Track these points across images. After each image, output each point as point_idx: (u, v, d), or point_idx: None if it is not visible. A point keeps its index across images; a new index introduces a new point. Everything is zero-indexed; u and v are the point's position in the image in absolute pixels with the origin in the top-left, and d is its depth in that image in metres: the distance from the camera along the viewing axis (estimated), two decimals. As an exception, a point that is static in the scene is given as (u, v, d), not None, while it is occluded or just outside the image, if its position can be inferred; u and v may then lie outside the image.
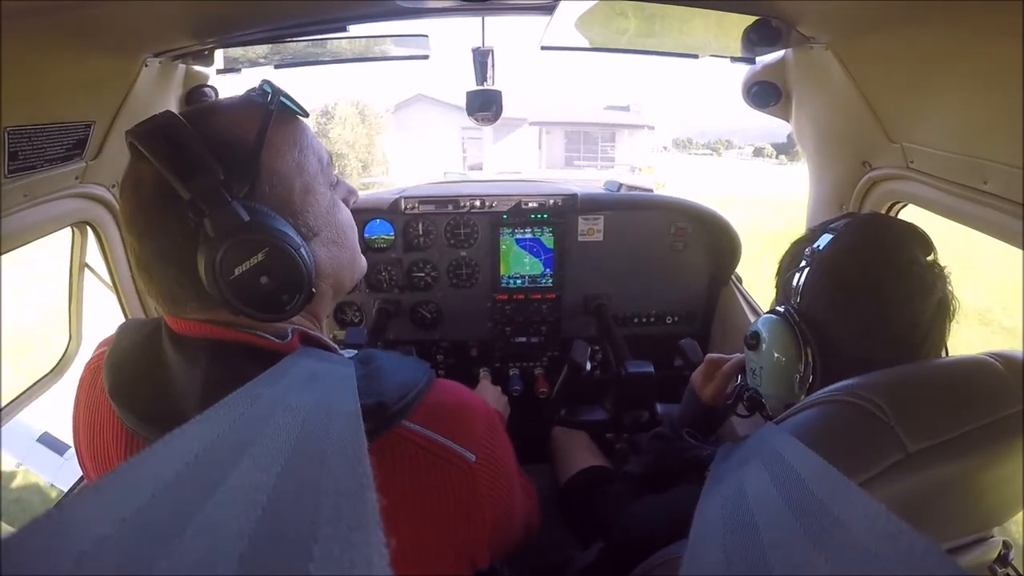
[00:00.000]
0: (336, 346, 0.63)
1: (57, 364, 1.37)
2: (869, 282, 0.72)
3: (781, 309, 0.80)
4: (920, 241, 0.75)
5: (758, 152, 43.05)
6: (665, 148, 27.97)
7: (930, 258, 0.73)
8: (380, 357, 0.60)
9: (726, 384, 1.04)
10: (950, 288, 0.72)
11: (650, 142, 28.44)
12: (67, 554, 0.22)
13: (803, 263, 0.80)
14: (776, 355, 0.79)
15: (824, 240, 0.79)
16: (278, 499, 0.28)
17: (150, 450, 0.31)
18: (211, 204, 0.51)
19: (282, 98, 0.59)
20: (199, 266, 0.52)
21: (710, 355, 1.11)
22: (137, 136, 0.52)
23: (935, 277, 0.71)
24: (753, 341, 0.84)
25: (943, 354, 0.74)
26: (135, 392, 0.57)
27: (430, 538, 0.54)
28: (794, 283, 0.81)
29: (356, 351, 0.66)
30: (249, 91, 0.61)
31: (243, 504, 0.27)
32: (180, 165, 0.51)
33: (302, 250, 0.56)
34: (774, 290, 0.89)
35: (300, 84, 1.29)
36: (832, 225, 0.81)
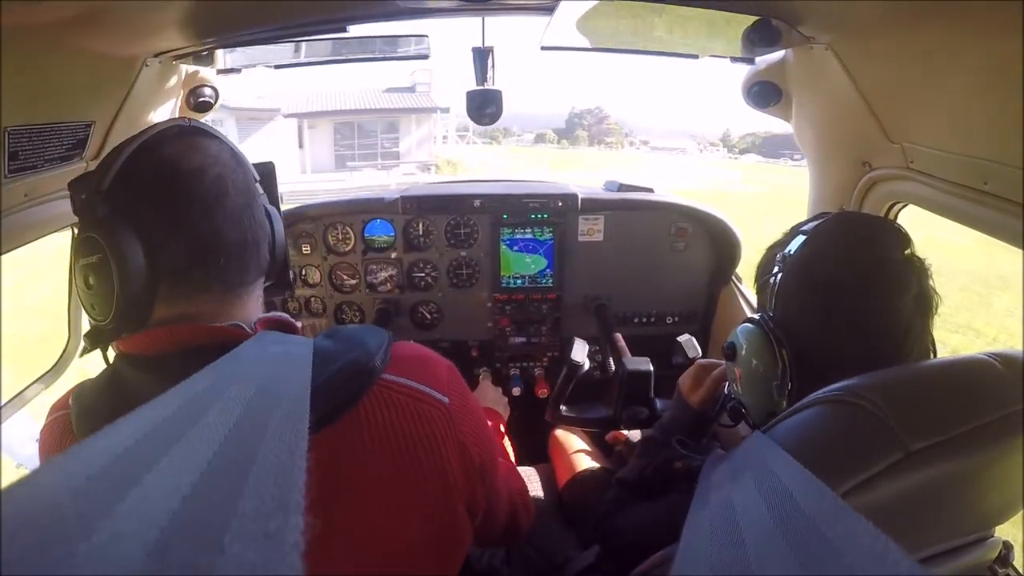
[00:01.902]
0: (296, 324, 0.65)
1: (56, 363, 1.38)
2: (840, 282, 0.71)
3: (757, 317, 0.79)
4: (895, 237, 0.73)
5: (540, 138, 42.65)
6: (445, 138, 24.28)
7: (907, 253, 0.72)
8: (344, 328, 0.63)
9: (716, 389, 1.02)
10: (931, 283, 0.71)
11: (444, 128, 23.67)
12: None
13: (775, 268, 0.80)
14: (753, 363, 0.78)
15: (795, 243, 0.78)
16: (194, 496, 0.26)
17: (64, 455, 0.29)
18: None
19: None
20: (263, 240, 0.65)
21: (699, 361, 1.09)
22: (199, 130, 0.63)
23: (912, 272, 0.70)
24: (730, 351, 0.83)
25: (929, 348, 0.73)
26: None
27: (431, 480, 0.57)
28: (768, 289, 0.80)
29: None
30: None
31: (149, 514, 0.25)
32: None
33: None
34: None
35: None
36: (803, 228, 0.80)
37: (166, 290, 0.57)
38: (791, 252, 0.78)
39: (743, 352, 0.80)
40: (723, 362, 1.05)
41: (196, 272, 0.58)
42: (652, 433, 1.07)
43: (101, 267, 0.55)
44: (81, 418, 0.58)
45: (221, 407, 0.36)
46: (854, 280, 0.70)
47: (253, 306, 0.65)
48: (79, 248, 0.58)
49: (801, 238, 0.78)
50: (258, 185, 0.68)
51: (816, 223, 0.79)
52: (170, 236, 0.57)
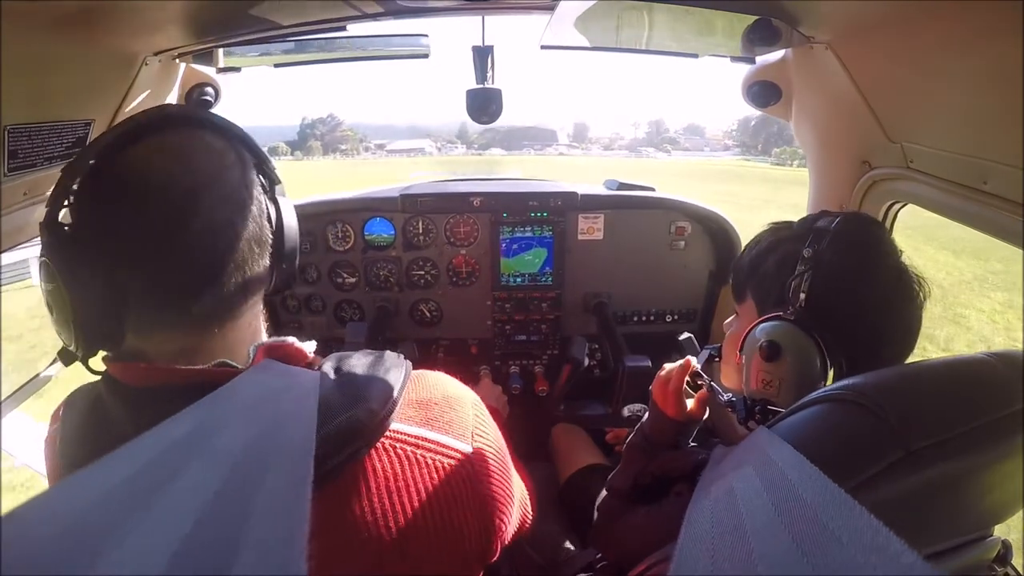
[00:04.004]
0: (304, 350, 0.60)
1: (53, 361, 1.37)
2: (873, 278, 0.75)
3: (791, 316, 0.77)
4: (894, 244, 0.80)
5: (272, 151, 43.77)
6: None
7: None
8: (353, 358, 0.58)
9: (681, 397, 1.01)
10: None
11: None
12: None
13: (800, 267, 0.78)
14: (801, 365, 0.76)
15: (822, 242, 0.77)
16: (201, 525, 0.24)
17: (7, 516, 0.25)
18: (275, 188, 0.59)
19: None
20: (259, 253, 0.55)
21: (659, 373, 1.06)
22: (207, 126, 0.54)
23: (918, 281, 0.77)
24: (773, 352, 0.79)
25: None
26: None
27: (443, 535, 0.54)
28: (792, 288, 0.78)
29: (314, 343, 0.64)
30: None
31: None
32: (257, 154, 0.58)
33: None
34: (746, 289, 0.88)
35: None
36: (818, 224, 0.80)
37: (135, 322, 0.52)
38: (819, 251, 0.77)
39: (789, 354, 0.77)
40: (672, 367, 1.03)
41: (167, 311, 0.51)
42: (635, 440, 1.05)
43: (55, 295, 0.51)
44: (64, 435, 0.57)
45: (210, 455, 0.33)
46: (879, 274, 0.76)
47: (247, 332, 0.58)
48: (40, 271, 0.53)
49: (823, 238, 0.78)
50: (261, 176, 0.60)
51: (834, 221, 0.79)
52: (132, 264, 0.49)
